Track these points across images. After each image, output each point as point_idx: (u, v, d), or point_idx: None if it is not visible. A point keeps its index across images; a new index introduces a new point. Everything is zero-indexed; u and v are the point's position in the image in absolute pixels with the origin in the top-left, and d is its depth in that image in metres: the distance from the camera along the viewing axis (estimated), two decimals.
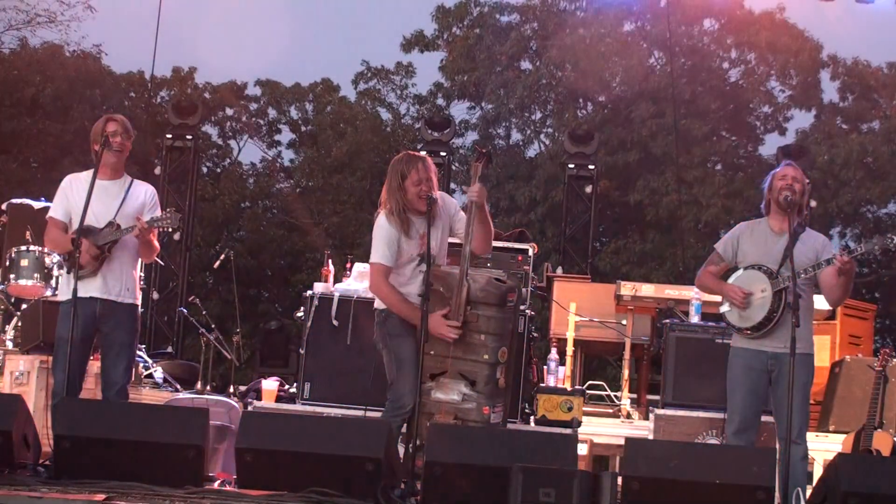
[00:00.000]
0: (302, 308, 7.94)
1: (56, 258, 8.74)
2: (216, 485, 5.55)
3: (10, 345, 8.74)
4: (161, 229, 6.40)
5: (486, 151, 6.27)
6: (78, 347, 6.13)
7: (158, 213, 6.45)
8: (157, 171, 13.11)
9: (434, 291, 5.85)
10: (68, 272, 6.27)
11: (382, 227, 6.10)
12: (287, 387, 8.51)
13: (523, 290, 7.62)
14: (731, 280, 6.34)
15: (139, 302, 6.54)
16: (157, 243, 6.50)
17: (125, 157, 6.45)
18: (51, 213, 6.43)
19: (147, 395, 8.44)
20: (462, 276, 5.89)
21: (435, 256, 5.99)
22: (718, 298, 6.48)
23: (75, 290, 6.03)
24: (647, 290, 9.15)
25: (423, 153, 6.32)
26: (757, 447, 6.23)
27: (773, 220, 6.30)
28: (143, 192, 6.46)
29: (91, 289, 6.24)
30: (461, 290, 5.86)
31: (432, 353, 5.90)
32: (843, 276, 6.08)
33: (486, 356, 5.87)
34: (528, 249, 8.70)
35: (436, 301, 5.87)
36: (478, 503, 5.07)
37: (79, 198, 6.23)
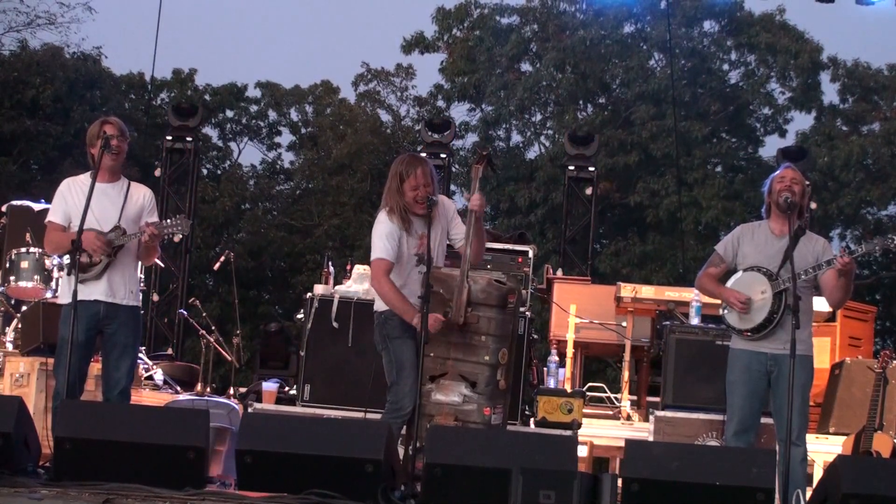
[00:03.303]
0: (302, 310, 7.94)
1: (56, 260, 8.75)
2: (216, 486, 5.55)
3: (10, 346, 8.74)
4: (170, 236, 6.42)
5: (487, 154, 6.26)
6: (80, 349, 6.14)
7: (156, 215, 6.47)
8: (158, 172, 13.10)
9: (434, 293, 5.84)
10: (68, 274, 6.27)
11: (382, 223, 6.11)
12: (287, 388, 8.52)
13: (523, 291, 7.62)
14: (730, 282, 6.34)
15: (141, 304, 6.55)
16: (158, 247, 6.52)
17: (122, 160, 6.45)
18: (50, 218, 6.38)
19: (147, 397, 8.43)
20: (463, 277, 5.88)
21: (433, 258, 5.97)
22: (718, 301, 6.49)
23: (75, 292, 6.03)
24: (648, 291, 9.15)
25: (423, 155, 6.32)
26: (757, 449, 6.23)
27: (773, 222, 6.30)
28: (142, 195, 6.46)
29: (95, 292, 6.25)
30: (462, 292, 5.86)
31: (432, 354, 5.89)
32: (843, 278, 6.08)
33: (486, 357, 5.88)
34: (528, 251, 8.71)
35: (436, 303, 5.86)
36: None
37: (78, 201, 6.21)
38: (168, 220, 6.38)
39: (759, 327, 6.16)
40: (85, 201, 6.11)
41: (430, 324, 5.78)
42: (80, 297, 6.13)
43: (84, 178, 6.35)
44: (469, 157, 22.89)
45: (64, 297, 6.36)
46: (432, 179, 6.10)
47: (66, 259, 6.37)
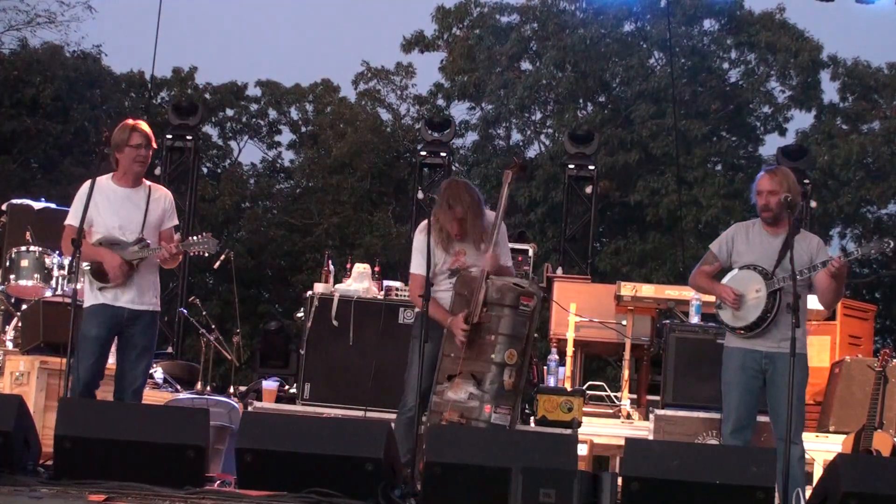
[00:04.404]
0: (302, 308, 7.95)
1: (56, 259, 8.75)
2: (216, 485, 5.55)
3: (10, 345, 8.73)
4: (195, 254, 6.48)
5: (522, 163, 6.41)
6: (100, 348, 6.27)
7: (175, 218, 6.55)
8: (158, 171, 13.08)
9: (461, 296, 6.06)
10: (70, 273, 6.31)
11: (415, 239, 6.37)
12: (287, 387, 8.52)
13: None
14: (726, 279, 6.35)
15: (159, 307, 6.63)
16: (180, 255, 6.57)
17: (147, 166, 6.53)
18: (69, 221, 6.38)
19: (147, 396, 8.41)
20: (482, 277, 5.97)
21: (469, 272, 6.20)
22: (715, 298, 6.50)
23: (75, 291, 6.11)
24: (648, 290, 9.16)
25: (462, 181, 6.48)
26: (757, 447, 6.23)
27: (766, 223, 6.33)
28: (163, 199, 6.52)
29: (122, 299, 6.33)
30: (479, 292, 5.94)
31: (452, 355, 6.02)
32: (835, 280, 6.08)
33: (492, 356, 5.92)
34: (528, 250, 8.72)
35: (463, 305, 6.06)
36: None
37: (102, 206, 6.30)
38: (194, 238, 6.44)
39: (753, 325, 6.17)
40: (108, 207, 6.28)
41: (457, 331, 5.98)
42: (105, 302, 6.29)
43: (106, 181, 6.39)
44: (470, 155, 22.92)
45: (87, 301, 6.42)
46: (474, 206, 6.23)
47: (86, 265, 6.39)
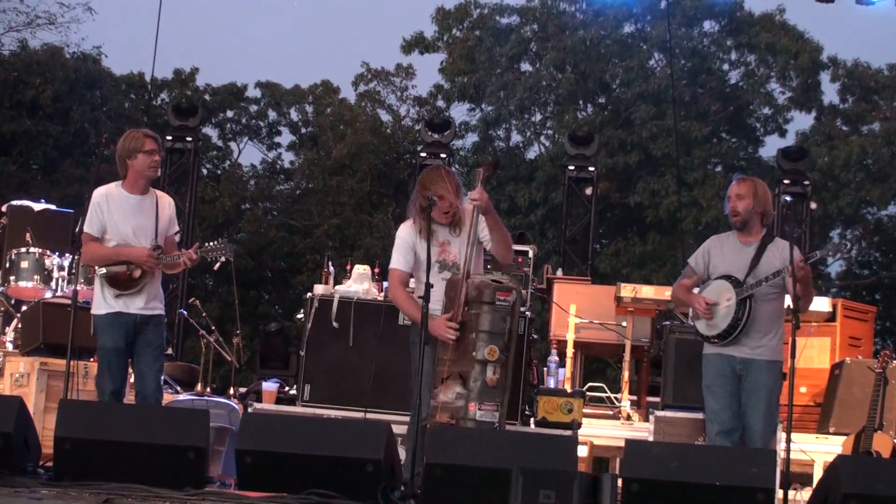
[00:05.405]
0: (302, 310, 7.95)
1: (56, 260, 8.76)
2: (216, 486, 5.55)
3: (10, 346, 8.74)
4: (211, 259, 6.52)
5: (496, 160, 6.42)
6: (122, 357, 6.34)
7: (176, 224, 6.60)
8: (158, 172, 13.09)
9: (451, 298, 6.02)
10: (70, 274, 6.32)
11: (398, 237, 6.32)
12: (287, 388, 8.51)
13: (523, 291, 7.63)
14: (701, 291, 6.44)
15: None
16: None
17: None
18: (86, 229, 6.40)
19: None
20: (462, 278, 5.97)
21: (458, 265, 6.15)
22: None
23: (75, 293, 6.24)
24: (647, 291, 9.17)
25: (441, 165, 6.43)
26: (757, 449, 6.23)
27: (739, 232, 6.38)
28: (168, 206, 6.62)
29: (133, 305, 6.38)
30: (461, 292, 5.94)
31: (444, 358, 6.00)
32: (801, 283, 6.11)
33: (474, 354, 5.94)
34: (528, 251, 8.72)
35: (450, 308, 6.01)
36: None
37: (116, 214, 6.36)
38: (211, 244, 6.52)
39: (725, 333, 6.27)
40: (122, 215, 6.33)
41: (443, 331, 5.92)
42: (118, 310, 6.33)
43: (116, 189, 6.47)
44: (469, 156, 22.92)
45: (98, 308, 6.42)
46: (449, 187, 6.15)
47: (102, 269, 6.42)
